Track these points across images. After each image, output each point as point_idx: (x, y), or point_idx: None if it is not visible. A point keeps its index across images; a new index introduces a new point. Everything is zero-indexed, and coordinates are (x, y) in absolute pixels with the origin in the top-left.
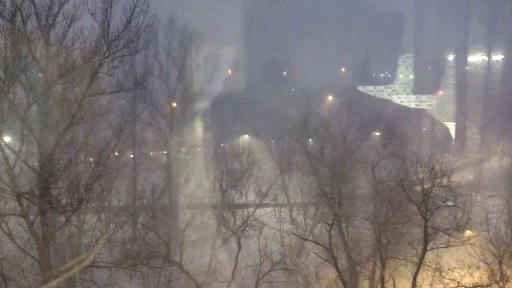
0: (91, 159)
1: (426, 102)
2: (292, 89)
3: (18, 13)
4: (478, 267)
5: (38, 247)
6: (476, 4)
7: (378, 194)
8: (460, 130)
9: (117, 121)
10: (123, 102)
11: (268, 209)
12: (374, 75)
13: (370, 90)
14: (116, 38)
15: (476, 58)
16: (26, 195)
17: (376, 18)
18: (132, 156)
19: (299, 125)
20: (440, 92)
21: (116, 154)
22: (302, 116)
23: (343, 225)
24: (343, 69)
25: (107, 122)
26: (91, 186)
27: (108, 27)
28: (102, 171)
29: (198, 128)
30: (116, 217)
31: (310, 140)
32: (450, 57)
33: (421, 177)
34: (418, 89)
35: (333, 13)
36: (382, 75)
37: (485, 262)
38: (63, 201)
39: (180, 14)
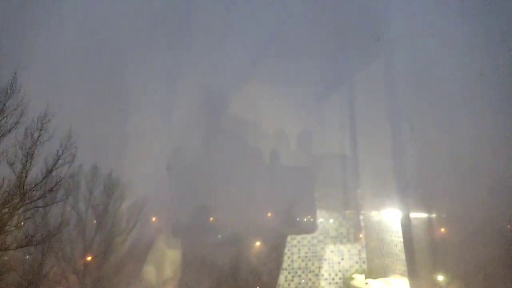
0: None
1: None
2: (219, 236)
3: None
4: None
5: None
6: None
7: None
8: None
9: (18, 281)
10: (27, 257)
11: None
12: (298, 219)
13: (295, 237)
14: (32, 189)
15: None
16: None
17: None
18: None
19: (229, 275)
20: (361, 235)
21: None
22: (231, 265)
23: None
24: (269, 214)
25: (5, 282)
26: None
27: (26, 177)
28: None
29: (117, 285)
30: None
31: None
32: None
33: None
34: (339, 237)
35: (253, 163)
36: (305, 219)
37: None
38: None
39: (104, 162)
